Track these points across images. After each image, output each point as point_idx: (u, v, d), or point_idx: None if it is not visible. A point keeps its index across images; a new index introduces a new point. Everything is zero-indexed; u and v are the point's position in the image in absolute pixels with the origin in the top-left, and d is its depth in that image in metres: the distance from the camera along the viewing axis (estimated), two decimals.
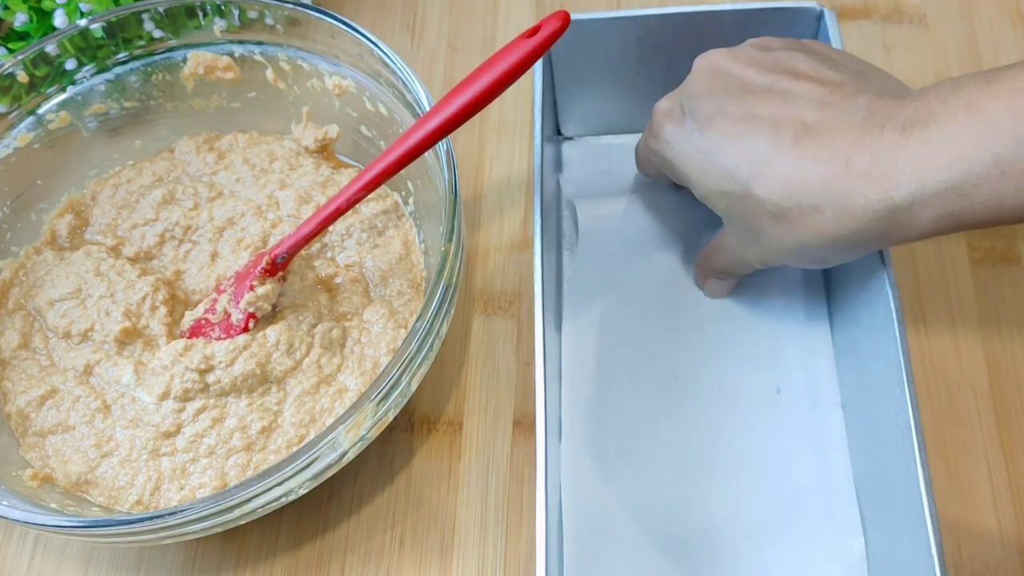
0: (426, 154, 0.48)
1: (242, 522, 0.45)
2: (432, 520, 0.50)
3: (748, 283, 0.54)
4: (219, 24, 0.56)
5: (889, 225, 0.40)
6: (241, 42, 0.56)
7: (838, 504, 0.48)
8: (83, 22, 0.54)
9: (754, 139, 0.42)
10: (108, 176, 0.58)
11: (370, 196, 0.52)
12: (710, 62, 0.45)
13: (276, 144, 0.58)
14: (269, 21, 0.55)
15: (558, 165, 0.59)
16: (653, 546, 0.48)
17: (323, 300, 0.52)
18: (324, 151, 0.58)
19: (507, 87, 0.45)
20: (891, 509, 0.44)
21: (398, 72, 0.51)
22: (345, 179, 0.56)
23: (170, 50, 0.57)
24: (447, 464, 0.52)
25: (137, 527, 0.42)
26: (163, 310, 0.52)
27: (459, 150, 0.60)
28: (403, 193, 0.55)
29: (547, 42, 0.44)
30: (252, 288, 0.49)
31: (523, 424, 0.52)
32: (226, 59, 0.57)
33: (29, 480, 0.48)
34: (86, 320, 0.51)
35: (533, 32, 0.44)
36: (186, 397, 0.48)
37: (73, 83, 0.56)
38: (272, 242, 0.53)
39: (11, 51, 0.59)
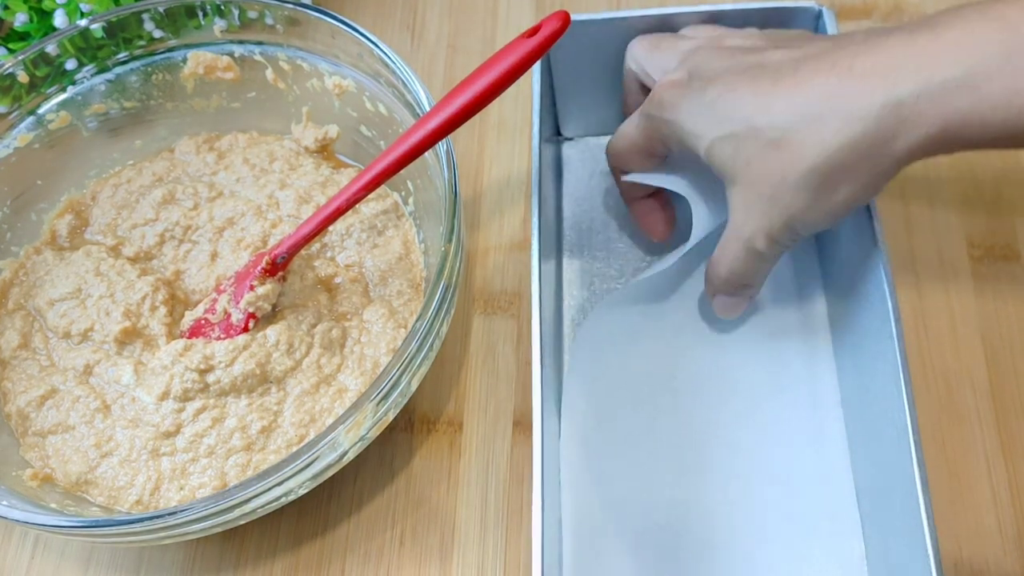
0: (426, 154, 0.48)
1: (242, 522, 0.45)
2: (432, 520, 0.50)
3: None
4: (219, 24, 0.56)
5: (895, 126, 0.38)
6: (241, 42, 0.56)
7: (837, 503, 0.48)
8: (83, 22, 0.55)
9: (758, 81, 0.42)
10: (108, 176, 0.58)
11: (370, 196, 0.52)
12: (713, 40, 0.45)
13: (276, 144, 0.58)
14: (269, 21, 0.55)
15: (558, 166, 0.59)
16: (653, 545, 0.48)
17: (323, 300, 0.52)
18: (324, 151, 0.58)
19: (507, 87, 0.45)
20: (889, 509, 0.44)
21: (398, 72, 0.51)
22: (345, 179, 0.56)
23: (170, 50, 0.57)
24: (447, 464, 0.52)
25: (137, 527, 0.42)
26: (163, 310, 0.52)
27: (459, 150, 0.60)
28: (403, 193, 0.55)
29: (547, 42, 0.44)
30: (252, 288, 0.49)
31: (523, 424, 0.52)
32: (226, 59, 0.57)
33: (29, 480, 0.48)
34: (86, 320, 0.51)
35: (533, 32, 0.44)
36: (186, 397, 0.48)
37: (73, 83, 0.56)
38: (272, 242, 0.53)
39: (11, 51, 0.59)
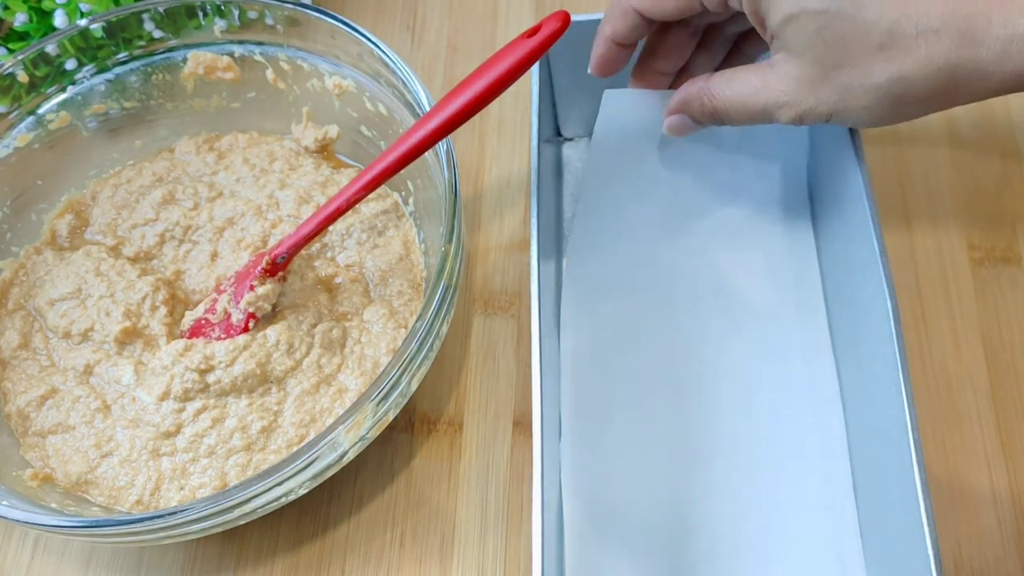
0: (426, 154, 0.48)
1: (242, 522, 0.45)
2: (432, 520, 0.50)
3: (746, 282, 0.54)
4: (219, 24, 0.56)
5: (1001, 58, 0.37)
6: (241, 42, 0.56)
7: (837, 503, 0.48)
8: (83, 22, 0.55)
9: None
10: (108, 176, 0.58)
11: (370, 196, 0.52)
12: None
13: (276, 144, 0.58)
14: (269, 21, 0.55)
15: (558, 166, 0.59)
16: (653, 543, 0.48)
17: (323, 300, 0.52)
18: (324, 151, 0.58)
19: (507, 87, 0.44)
20: (889, 508, 0.44)
21: (398, 72, 0.51)
22: (345, 179, 0.56)
23: (170, 50, 0.57)
24: (447, 464, 0.52)
25: (137, 527, 0.42)
26: (163, 310, 0.52)
27: (459, 150, 0.60)
28: (403, 193, 0.55)
29: (547, 42, 0.44)
30: (252, 288, 0.49)
31: (523, 424, 0.52)
32: (226, 59, 0.57)
33: (29, 480, 0.48)
34: (86, 320, 0.51)
35: (533, 32, 0.44)
36: (186, 397, 0.48)
37: (73, 83, 0.56)
38: (272, 242, 0.54)
39: (11, 51, 0.59)
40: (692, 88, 0.45)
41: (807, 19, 0.39)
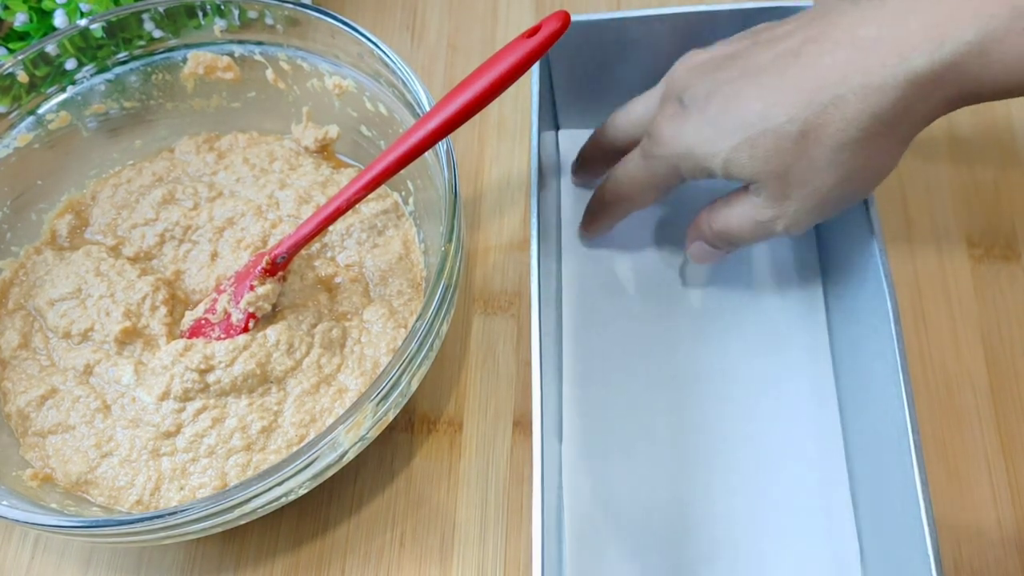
0: (426, 154, 0.48)
1: (242, 522, 0.45)
2: (432, 520, 0.50)
3: (746, 282, 0.54)
4: (219, 24, 0.56)
5: (913, 94, 0.39)
6: (241, 42, 0.56)
7: (836, 501, 0.48)
8: (83, 22, 0.55)
9: (757, 80, 0.42)
10: (108, 176, 0.58)
11: (370, 196, 0.52)
12: (685, 62, 0.46)
13: (276, 144, 0.58)
14: (269, 21, 0.55)
15: (557, 165, 0.59)
16: (653, 543, 0.48)
17: (323, 300, 0.52)
18: (324, 151, 0.58)
19: (507, 87, 0.44)
20: (889, 509, 0.44)
21: (398, 72, 0.51)
22: (345, 179, 0.56)
23: (170, 50, 0.57)
24: (447, 464, 0.52)
25: (137, 527, 0.42)
26: (163, 310, 0.52)
27: (459, 150, 0.61)
28: (403, 193, 0.55)
29: (547, 42, 0.44)
30: (252, 288, 0.49)
31: (523, 424, 0.52)
32: (226, 59, 0.57)
33: (29, 480, 0.48)
34: (86, 320, 0.51)
35: (533, 32, 0.44)
36: (186, 397, 0.48)
37: (73, 83, 0.56)
38: (272, 242, 0.54)
39: (11, 51, 0.59)
40: (701, 215, 0.49)
41: (736, 155, 0.43)
